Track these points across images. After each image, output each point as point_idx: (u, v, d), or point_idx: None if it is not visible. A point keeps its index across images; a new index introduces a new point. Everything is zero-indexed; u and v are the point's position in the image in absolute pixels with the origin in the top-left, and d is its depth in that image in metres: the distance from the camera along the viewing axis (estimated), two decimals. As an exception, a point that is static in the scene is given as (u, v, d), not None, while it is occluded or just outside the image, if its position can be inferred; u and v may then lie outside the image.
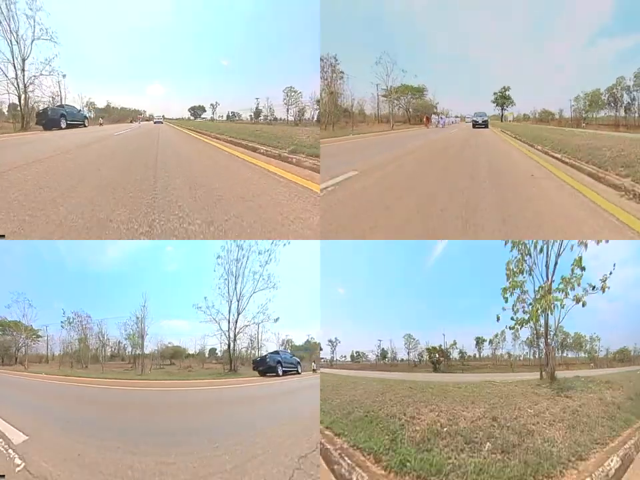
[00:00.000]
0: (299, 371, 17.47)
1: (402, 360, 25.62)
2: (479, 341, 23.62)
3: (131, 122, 43.29)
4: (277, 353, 17.51)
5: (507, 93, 28.66)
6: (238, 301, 17.59)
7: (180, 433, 5.89)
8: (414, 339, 24.91)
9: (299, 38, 36.06)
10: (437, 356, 22.23)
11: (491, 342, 23.39)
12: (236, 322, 17.99)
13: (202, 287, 20.28)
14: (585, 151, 12.98)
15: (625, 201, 7.36)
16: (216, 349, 20.86)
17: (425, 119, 30.56)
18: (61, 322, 19.85)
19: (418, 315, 23.93)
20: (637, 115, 24.74)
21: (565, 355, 21.85)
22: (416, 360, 24.97)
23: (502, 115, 29.86)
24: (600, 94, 27.00)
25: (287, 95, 39.08)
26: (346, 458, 4.65)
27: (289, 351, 19.12)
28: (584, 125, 26.64)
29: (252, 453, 4.85)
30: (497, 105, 30.62)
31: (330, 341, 26.73)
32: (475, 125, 32.12)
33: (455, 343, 23.31)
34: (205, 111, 49.38)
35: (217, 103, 48.19)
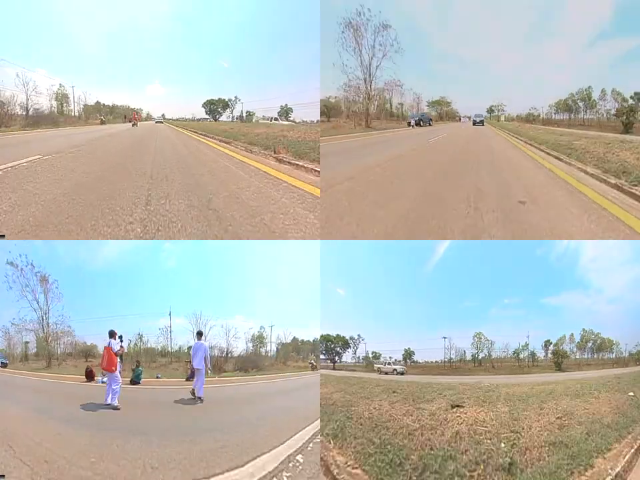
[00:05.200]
0: None
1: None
2: (547, 344, 24.20)
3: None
4: None
5: (493, 108, 47.04)
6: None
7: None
8: (487, 339, 24.57)
9: (300, 38, 35.92)
10: (560, 356, 23.08)
11: (555, 344, 24.12)
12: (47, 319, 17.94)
13: (196, 286, 20.49)
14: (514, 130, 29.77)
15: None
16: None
17: (458, 119, 49.27)
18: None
19: (419, 315, 23.88)
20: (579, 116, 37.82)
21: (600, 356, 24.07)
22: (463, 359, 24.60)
23: (490, 116, 47.56)
24: (562, 103, 38.88)
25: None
26: None
27: None
28: (533, 123, 39.74)
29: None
30: (488, 113, 48.02)
31: (351, 338, 25.63)
32: (475, 123, 43.11)
33: (527, 345, 23.95)
34: (229, 106, 41.13)
35: (236, 98, 41.26)
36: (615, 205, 7.32)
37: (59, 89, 34.01)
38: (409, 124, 36.69)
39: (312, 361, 22.18)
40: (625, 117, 27.19)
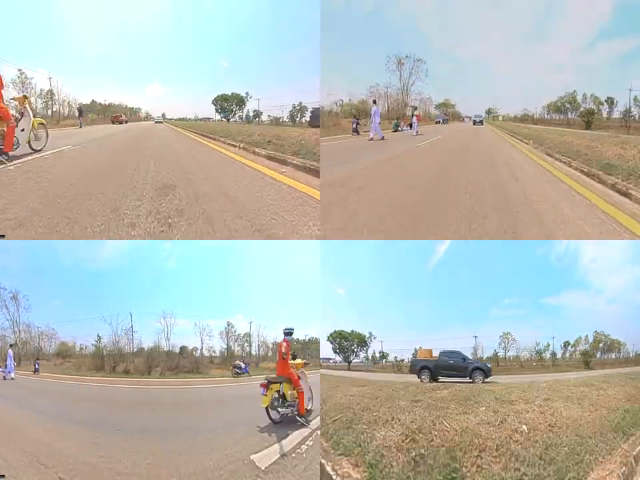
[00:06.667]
0: None
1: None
2: (566, 345, 25.60)
3: None
4: None
5: (490, 109, 52.29)
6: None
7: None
8: (514, 339, 25.03)
9: (300, 38, 35.75)
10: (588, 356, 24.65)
11: (573, 345, 25.36)
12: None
13: (196, 286, 20.59)
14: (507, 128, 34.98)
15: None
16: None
17: (461, 119, 54.10)
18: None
19: (420, 315, 23.79)
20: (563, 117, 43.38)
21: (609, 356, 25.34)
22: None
23: (489, 117, 52.31)
24: (552, 105, 44.49)
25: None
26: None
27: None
28: (525, 122, 45.72)
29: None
30: (487, 114, 52.59)
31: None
32: (475, 123, 46.99)
33: (548, 345, 25.16)
34: (244, 103, 35.88)
35: (247, 94, 36.27)
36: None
37: (19, 78, 25.43)
38: (437, 122, 48.77)
39: (239, 362, 16.70)
40: (585, 118, 37.08)
